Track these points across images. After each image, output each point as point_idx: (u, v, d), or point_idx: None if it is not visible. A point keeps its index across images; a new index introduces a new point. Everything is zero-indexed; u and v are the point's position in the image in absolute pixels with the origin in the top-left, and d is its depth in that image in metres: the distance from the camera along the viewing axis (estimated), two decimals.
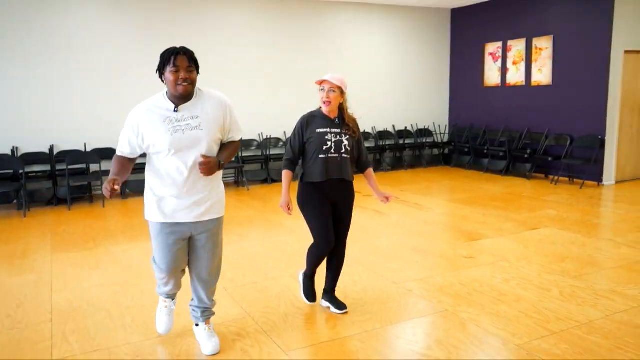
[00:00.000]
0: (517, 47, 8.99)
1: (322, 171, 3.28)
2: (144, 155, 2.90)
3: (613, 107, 7.71)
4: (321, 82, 3.29)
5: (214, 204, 2.89)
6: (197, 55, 2.76)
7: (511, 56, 9.12)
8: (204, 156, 2.74)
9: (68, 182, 7.08)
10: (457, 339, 3.10)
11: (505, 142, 9.00)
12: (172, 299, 3.30)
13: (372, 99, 9.60)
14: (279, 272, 4.31)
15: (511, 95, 9.21)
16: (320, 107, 3.36)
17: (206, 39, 8.24)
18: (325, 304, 3.56)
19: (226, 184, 3.09)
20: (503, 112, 9.36)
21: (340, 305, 3.50)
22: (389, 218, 6.14)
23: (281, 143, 8.95)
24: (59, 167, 7.36)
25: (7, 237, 5.69)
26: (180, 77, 2.67)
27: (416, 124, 10.26)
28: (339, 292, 3.63)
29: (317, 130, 3.30)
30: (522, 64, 8.92)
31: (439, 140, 10.41)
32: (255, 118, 8.60)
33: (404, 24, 9.98)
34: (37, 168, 7.39)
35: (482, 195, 7.37)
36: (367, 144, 9.29)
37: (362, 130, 3.48)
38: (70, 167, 7.20)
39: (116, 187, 2.54)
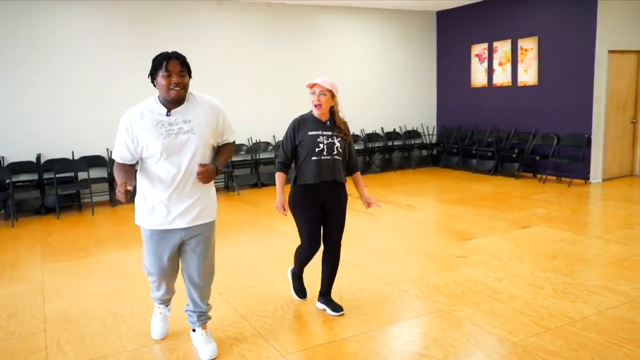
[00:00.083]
0: (503, 48, 9.08)
1: (315, 173, 3.30)
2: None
3: (599, 106, 7.82)
4: (312, 86, 3.33)
5: (205, 208, 2.90)
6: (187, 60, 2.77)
7: (497, 57, 9.21)
8: (201, 165, 2.75)
9: (56, 190, 7.01)
10: (454, 338, 3.12)
11: (493, 142, 9.08)
12: (166, 305, 3.29)
13: (361, 102, 9.63)
14: (274, 276, 4.30)
15: (498, 96, 9.30)
16: (312, 110, 3.38)
17: (195, 44, 8.21)
18: (321, 306, 3.56)
19: (216, 189, 3.08)
20: (490, 112, 9.45)
21: (336, 307, 3.50)
22: (381, 219, 6.16)
23: (271, 147, 8.95)
24: (46, 175, 7.28)
25: None
26: (173, 82, 2.68)
27: (404, 125, 10.31)
28: (335, 294, 3.63)
29: (309, 133, 3.33)
30: (508, 64, 9.01)
31: (428, 142, 10.48)
32: (244, 122, 8.58)
33: (390, 27, 10.04)
34: (24, 177, 7.31)
35: (472, 195, 7.43)
36: (356, 146, 9.33)
37: (351, 133, 3.51)
38: (58, 175, 7.13)
39: (129, 187, 2.56)
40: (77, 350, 3.13)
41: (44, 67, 7.40)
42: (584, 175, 7.95)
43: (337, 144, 3.35)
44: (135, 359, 3.01)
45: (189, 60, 2.78)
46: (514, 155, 8.69)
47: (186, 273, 3.00)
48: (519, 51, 8.77)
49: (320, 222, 3.41)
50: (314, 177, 3.30)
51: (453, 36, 10.14)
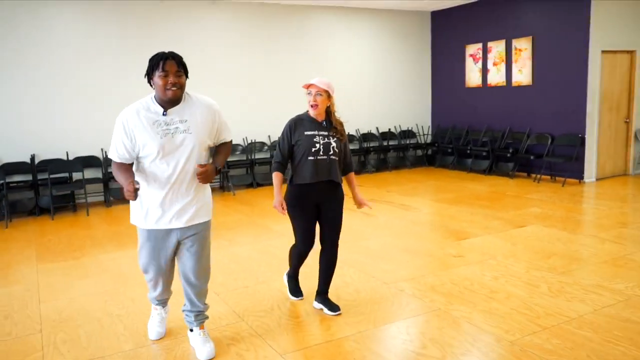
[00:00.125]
0: (497, 48, 9.11)
1: (312, 173, 3.31)
2: None
3: (592, 106, 7.86)
4: (308, 86, 3.35)
5: (200, 207, 2.90)
6: None
7: (492, 57, 9.25)
8: (200, 165, 2.76)
9: (50, 191, 6.97)
10: (451, 337, 3.13)
11: (487, 142, 9.12)
12: (164, 307, 3.29)
13: (356, 102, 9.64)
14: (270, 276, 4.30)
15: (492, 96, 9.33)
16: (308, 111, 3.39)
17: (189, 43, 8.19)
18: (318, 305, 3.57)
19: (212, 189, 3.10)
20: (485, 112, 9.48)
21: (333, 307, 3.51)
22: (377, 219, 6.17)
23: (266, 147, 8.94)
24: (40, 176, 7.24)
25: None
26: (169, 82, 2.68)
27: (399, 125, 10.33)
28: (332, 294, 3.63)
29: (305, 133, 3.34)
30: (503, 64, 9.05)
31: (423, 141, 10.50)
32: (239, 122, 8.56)
33: (385, 27, 10.05)
34: (17, 178, 7.27)
35: (467, 194, 7.45)
36: (351, 146, 9.33)
37: (346, 133, 3.53)
38: (52, 176, 7.09)
39: (137, 185, 2.59)
40: (74, 351, 3.11)
41: (38, 68, 7.35)
42: (578, 174, 8.00)
43: (334, 144, 3.36)
44: (132, 359, 3.01)
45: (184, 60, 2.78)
46: (508, 155, 8.73)
47: (182, 272, 3.00)
48: (513, 51, 8.81)
49: (315, 221, 3.45)
50: (311, 176, 3.32)
51: (447, 36, 10.17)
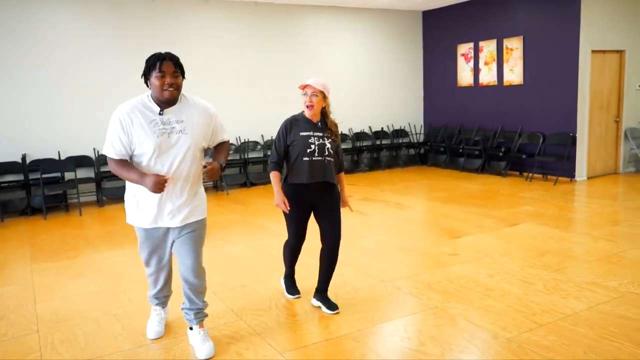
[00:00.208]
0: (488, 47, 9.17)
1: (307, 173, 3.34)
2: None
3: (583, 106, 7.94)
4: (304, 87, 3.37)
5: (195, 207, 2.93)
6: None
7: (483, 57, 9.30)
8: (208, 163, 2.79)
9: (43, 191, 6.92)
10: (449, 335, 3.15)
11: (480, 141, 9.17)
12: (163, 307, 3.30)
13: (349, 101, 9.65)
14: (267, 275, 4.30)
15: (484, 95, 9.39)
16: (303, 111, 3.41)
17: (182, 43, 8.16)
18: (317, 303, 3.58)
19: (205, 189, 3.10)
20: (477, 111, 9.54)
21: (331, 306, 3.52)
22: (372, 218, 6.19)
23: (259, 146, 8.93)
24: (32, 176, 7.19)
25: None
26: (166, 83, 2.70)
27: (392, 124, 10.37)
28: (330, 293, 3.64)
29: (301, 134, 3.36)
30: (494, 64, 9.11)
31: (415, 141, 10.54)
32: (233, 122, 8.52)
33: (377, 27, 10.08)
34: (9, 178, 7.21)
35: (460, 193, 7.50)
36: (344, 146, 9.36)
37: (340, 133, 3.56)
38: (44, 175, 7.04)
39: (166, 176, 2.69)
40: (72, 351, 3.10)
41: (28, 67, 7.29)
42: (570, 173, 8.07)
43: (328, 145, 3.39)
44: (131, 358, 3.00)
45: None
46: (500, 154, 8.79)
47: (180, 271, 3.01)
48: (504, 51, 8.87)
49: (308, 218, 3.51)
50: (306, 177, 3.34)
51: (439, 36, 10.22)
